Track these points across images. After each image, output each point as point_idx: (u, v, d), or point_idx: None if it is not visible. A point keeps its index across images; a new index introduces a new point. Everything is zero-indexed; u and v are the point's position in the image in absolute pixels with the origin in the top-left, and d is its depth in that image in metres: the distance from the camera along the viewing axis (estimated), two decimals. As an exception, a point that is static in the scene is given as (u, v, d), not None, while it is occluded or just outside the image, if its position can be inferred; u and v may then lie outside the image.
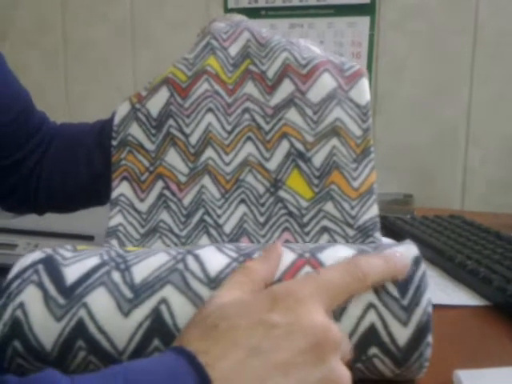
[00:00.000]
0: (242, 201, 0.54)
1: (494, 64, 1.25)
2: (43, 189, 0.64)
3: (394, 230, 0.82)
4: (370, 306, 0.36)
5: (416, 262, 0.38)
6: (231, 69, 0.57)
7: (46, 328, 0.37)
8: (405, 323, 0.36)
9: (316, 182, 0.52)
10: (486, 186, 1.27)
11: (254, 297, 0.34)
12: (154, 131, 0.56)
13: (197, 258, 0.39)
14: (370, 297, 0.37)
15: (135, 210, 0.55)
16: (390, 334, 0.36)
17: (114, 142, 0.57)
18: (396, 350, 0.37)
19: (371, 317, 0.36)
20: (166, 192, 0.55)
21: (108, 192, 0.58)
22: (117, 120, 0.58)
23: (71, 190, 0.63)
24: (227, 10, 1.42)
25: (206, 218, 0.53)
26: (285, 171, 0.53)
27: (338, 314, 0.36)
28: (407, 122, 1.32)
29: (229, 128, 0.55)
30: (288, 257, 0.39)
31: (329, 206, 0.51)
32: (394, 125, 1.32)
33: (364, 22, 1.33)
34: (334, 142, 0.52)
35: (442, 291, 0.59)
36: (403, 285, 0.37)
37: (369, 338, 0.37)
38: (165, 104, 0.56)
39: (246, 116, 0.55)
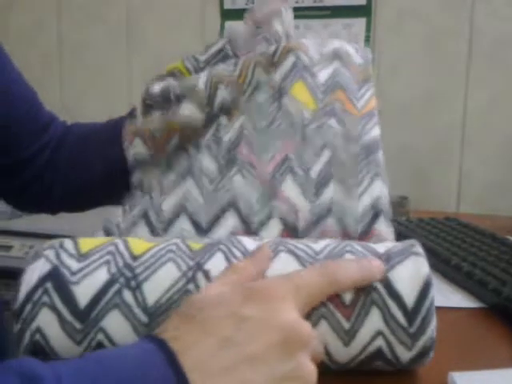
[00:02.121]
0: (243, 113, 0.53)
1: (490, 67, 1.25)
2: (59, 186, 0.64)
3: (390, 231, 0.82)
4: (379, 333, 0.38)
5: (425, 288, 0.38)
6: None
7: (67, 349, 0.38)
8: (410, 348, 0.38)
9: (320, 96, 0.52)
10: (481, 188, 1.27)
11: (230, 290, 0.35)
12: (163, 105, 0.56)
13: (207, 275, 0.39)
14: (379, 325, 0.38)
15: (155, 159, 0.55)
16: (394, 355, 0.38)
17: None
18: (399, 365, 0.39)
19: (379, 342, 0.38)
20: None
21: (123, 188, 0.57)
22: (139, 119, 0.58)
23: (87, 186, 0.63)
24: (223, 11, 1.42)
25: (211, 138, 0.53)
26: (290, 80, 0.53)
27: (348, 338, 0.38)
28: (403, 124, 1.32)
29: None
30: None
31: (332, 122, 0.51)
32: (389, 127, 1.32)
33: (360, 23, 1.34)
34: (337, 64, 0.54)
35: (437, 293, 0.59)
36: (411, 314, 0.37)
37: (375, 357, 0.39)
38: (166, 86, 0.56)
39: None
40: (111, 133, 0.61)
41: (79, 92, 1.58)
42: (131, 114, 0.60)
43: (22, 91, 0.64)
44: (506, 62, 1.24)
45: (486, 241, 0.73)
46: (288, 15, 0.59)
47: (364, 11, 1.33)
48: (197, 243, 0.42)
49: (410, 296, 0.38)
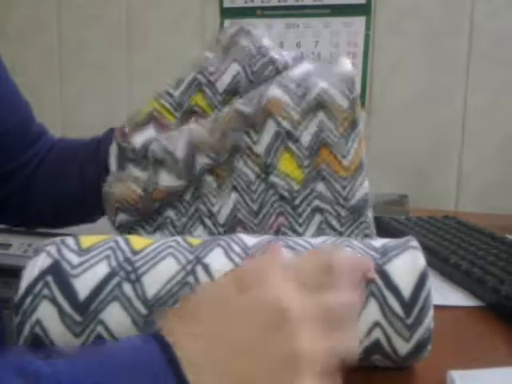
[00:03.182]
0: (234, 187, 0.53)
1: (490, 66, 1.25)
2: (36, 200, 0.63)
3: (389, 230, 0.82)
4: (376, 324, 0.38)
5: (421, 279, 0.39)
6: (220, 107, 0.56)
7: (66, 342, 0.38)
8: (407, 340, 0.38)
9: (306, 162, 0.51)
10: (481, 187, 1.28)
11: (223, 282, 0.35)
12: (141, 161, 0.55)
13: (206, 269, 0.39)
14: (377, 316, 0.38)
15: (141, 221, 0.56)
16: (392, 348, 0.38)
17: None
18: (397, 358, 0.39)
19: (377, 334, 0.38)
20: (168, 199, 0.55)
21: (97, 209, 0.57)
22: (113, 166, 0.57)
23: (62, 203, 0.63)
24: (223, 10, 1.42)
25: (201, 206, 0.53)
26: (274, 154, 0.51)
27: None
28: (402, 123, 1.32)
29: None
30: None
31: (320, 187, 0.51)
32: (389, 125, 1.32)
33: (360, 22, 1.34)
34: (321, 116, 0.50)
35: (436, 292, 0.59)
36: (409, 305, 0.38)
37: (373, 349, 0.39)
38: (149, 139, 0.55)
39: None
40: (92, 153, 0.61)
41: (79, 91, 1.58)
42: (109, 136, 0.59)
43: (16, 103, 0.64)
44: (506, 61, 1.24)
45: (484, 239, 0.73)
46: (257, 30, 0.57)
47: (364, 10, 1.33)
48: (196, 239, 0.42)
49: (406, 287, 0.38)
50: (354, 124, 0.50)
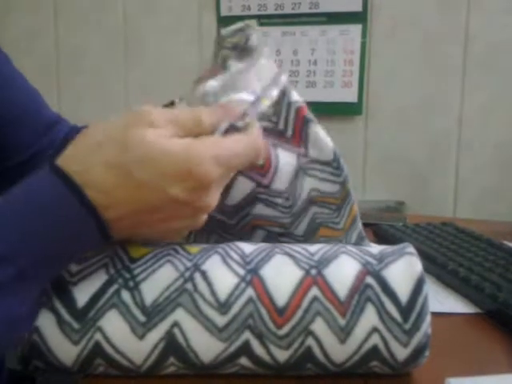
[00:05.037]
0: None
1: (485, 72, 1.26)
2: None
3: (386, 237, 0.82)
4: (374, 329, 0.38)
5: (419, 285, 0.39)
6: None
7: (64, 350, 0.38)
8: (405, 345, 0.38)
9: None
10: (478, 193, 1.28)
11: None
12: None
13: (204, 275, 0.39)
14: (375, 321, 0.38)
15: None
16: (390, 353, 0.38)
17: None
18: (395, 363, 0.39)
19: (375, 339, 0.38)
20: None
21: None
22: None
23: None
24: (220, 18, 1.42)
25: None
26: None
27: (344, 335, 0.38)
28: (399, 129, 1.32)
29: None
30: (295, 273, 0.39)
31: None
32: (386, 132, 1.33)
33: (356, 29, 1.34)
34: (314, 209, 0.48)
35: (433, 298, 0.59)
36: (406, 310, 0.38)
37: (371, 356, 0.39)
38: None
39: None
40: None
41: (77, 98, 1.58)
42: None
43: (23, 84, 0.63)
44: (501, 68, 1.25)
45: (482, 246, 0.73)
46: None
47: (360, 17, 1.33)
48: (195, 247, 0.42)
49: (403, 293, 0.39)
50: (346, 196, 0.47)
